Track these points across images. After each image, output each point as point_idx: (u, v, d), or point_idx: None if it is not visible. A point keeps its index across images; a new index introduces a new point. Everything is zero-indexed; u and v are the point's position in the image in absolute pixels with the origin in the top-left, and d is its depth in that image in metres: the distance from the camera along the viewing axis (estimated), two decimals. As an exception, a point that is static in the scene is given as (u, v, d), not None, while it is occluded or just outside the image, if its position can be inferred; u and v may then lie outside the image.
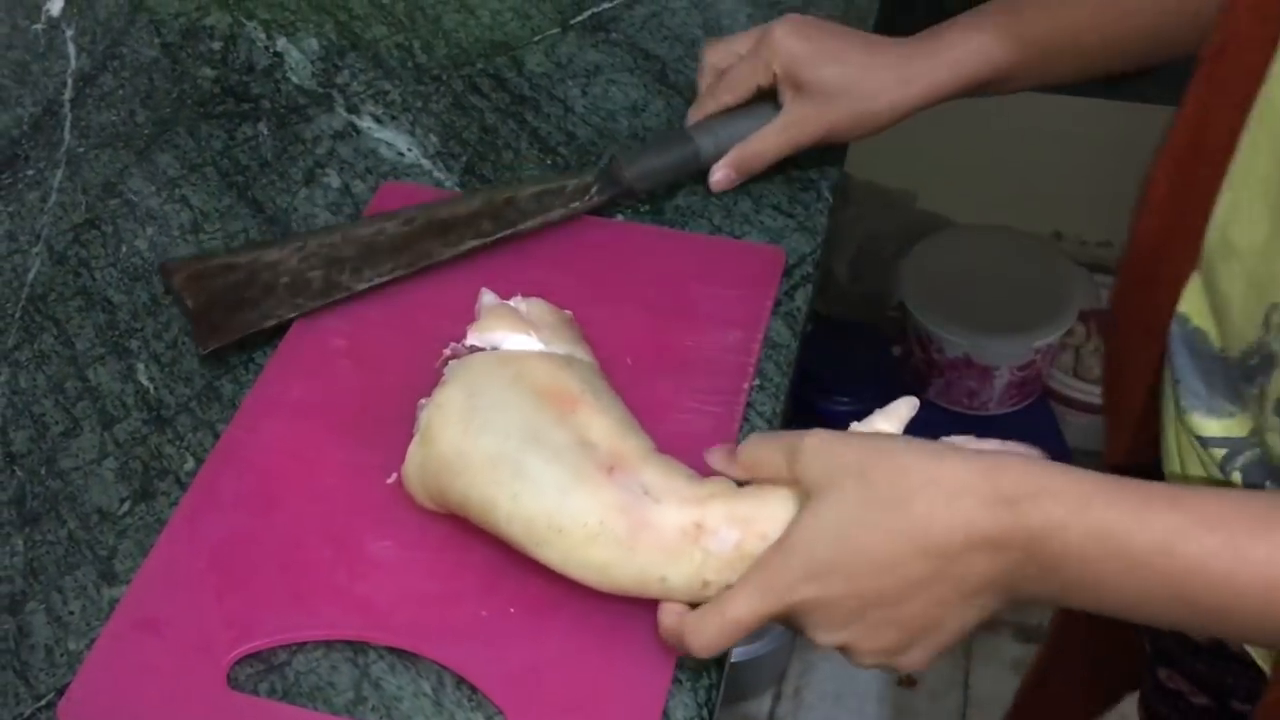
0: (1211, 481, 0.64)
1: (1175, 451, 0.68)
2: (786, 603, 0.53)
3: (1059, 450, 1.55)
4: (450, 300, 0.74)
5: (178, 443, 0.69)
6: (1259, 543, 0.48)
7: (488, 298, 0.67)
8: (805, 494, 0.54)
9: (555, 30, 0.94)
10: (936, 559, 0.50)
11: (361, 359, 0.71)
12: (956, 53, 0.75)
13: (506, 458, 0.58)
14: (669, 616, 0.56)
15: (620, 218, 0.79)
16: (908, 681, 1.57)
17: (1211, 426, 0.63)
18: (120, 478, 0.68)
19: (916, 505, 0.50)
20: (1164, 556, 0.48)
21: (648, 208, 0.80)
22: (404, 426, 0.68)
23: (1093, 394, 1.65)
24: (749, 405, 0.69)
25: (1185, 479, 0.67)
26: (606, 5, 0.95)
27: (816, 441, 0.53)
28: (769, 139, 0.78)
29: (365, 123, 0.87)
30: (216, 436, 0.69)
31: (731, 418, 0.68)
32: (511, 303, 0.67)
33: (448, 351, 0.65)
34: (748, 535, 0.55)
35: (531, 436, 0.59)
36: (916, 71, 0.75)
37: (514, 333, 0.64)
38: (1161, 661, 0.77)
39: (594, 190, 0.77)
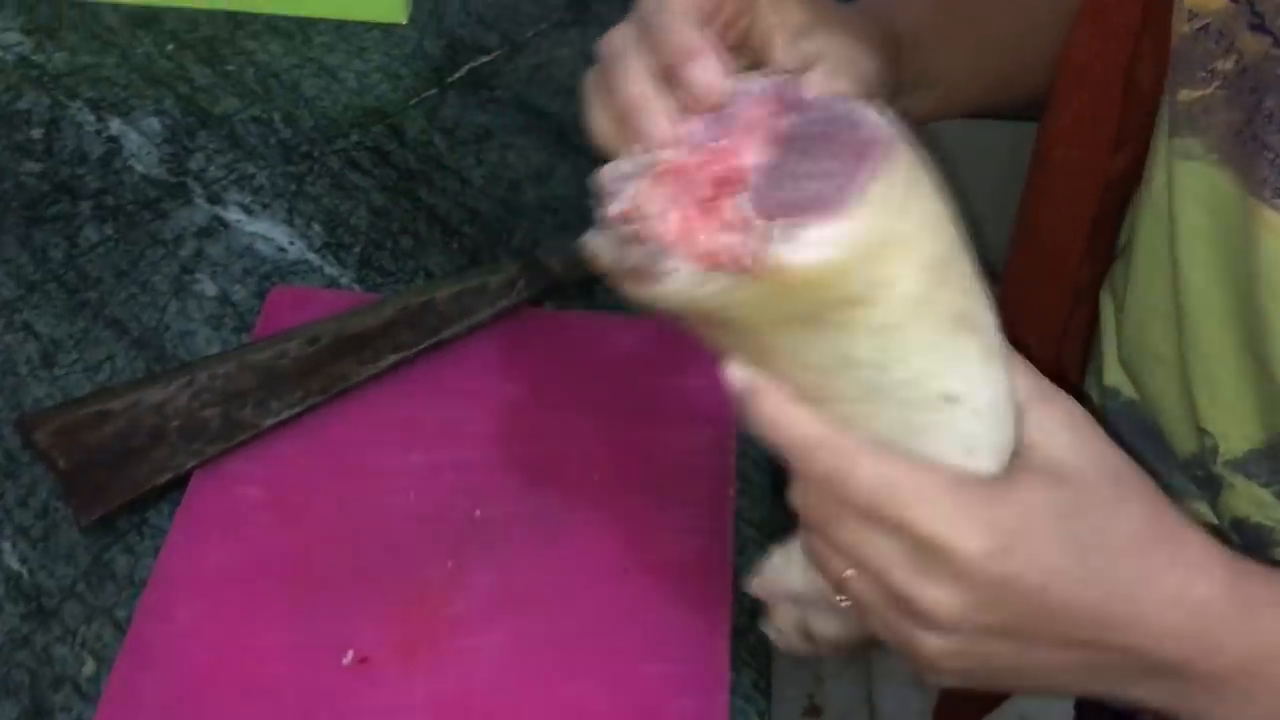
0: None
1: None
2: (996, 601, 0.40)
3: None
4: (376, 425, 0.64)
5: (70, 640, 0.57)
6: None
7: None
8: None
9: (432, 91, 0.84)
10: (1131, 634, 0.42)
11: (283, 509, 0.61)
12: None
13: (956, 261, 0.40)
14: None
15: (548, 305, 0.71)
16: (813, 711, 1.54)
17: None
18: (4, 694, 0.56)
19: (1157, 556, 0.42)
20: None
21: (577, 291, 0.72)
22: (353, 585, 0.58)
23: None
24: (737, 514, 0.62)
25: None
26: (484, 59, 0.86)
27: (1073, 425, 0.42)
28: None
29: (233, 214, 0.76)
30: (118, 627, 0.57)
31: (723, 533, 0.61)
32: None
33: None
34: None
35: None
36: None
37: None
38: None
39: (520, 285, 0.69)
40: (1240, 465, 0.55)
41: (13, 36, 0.85)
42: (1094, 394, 0.66)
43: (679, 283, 0.39)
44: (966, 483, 0.41)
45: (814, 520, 0.43)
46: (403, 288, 0.72)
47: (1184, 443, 0.59)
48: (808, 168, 0.38)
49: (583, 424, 0.64)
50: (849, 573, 0.42)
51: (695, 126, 0.42)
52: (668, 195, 0.40)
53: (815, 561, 0.44)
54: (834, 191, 0.37)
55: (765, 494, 0.64)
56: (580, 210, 0.77)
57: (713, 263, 0.38)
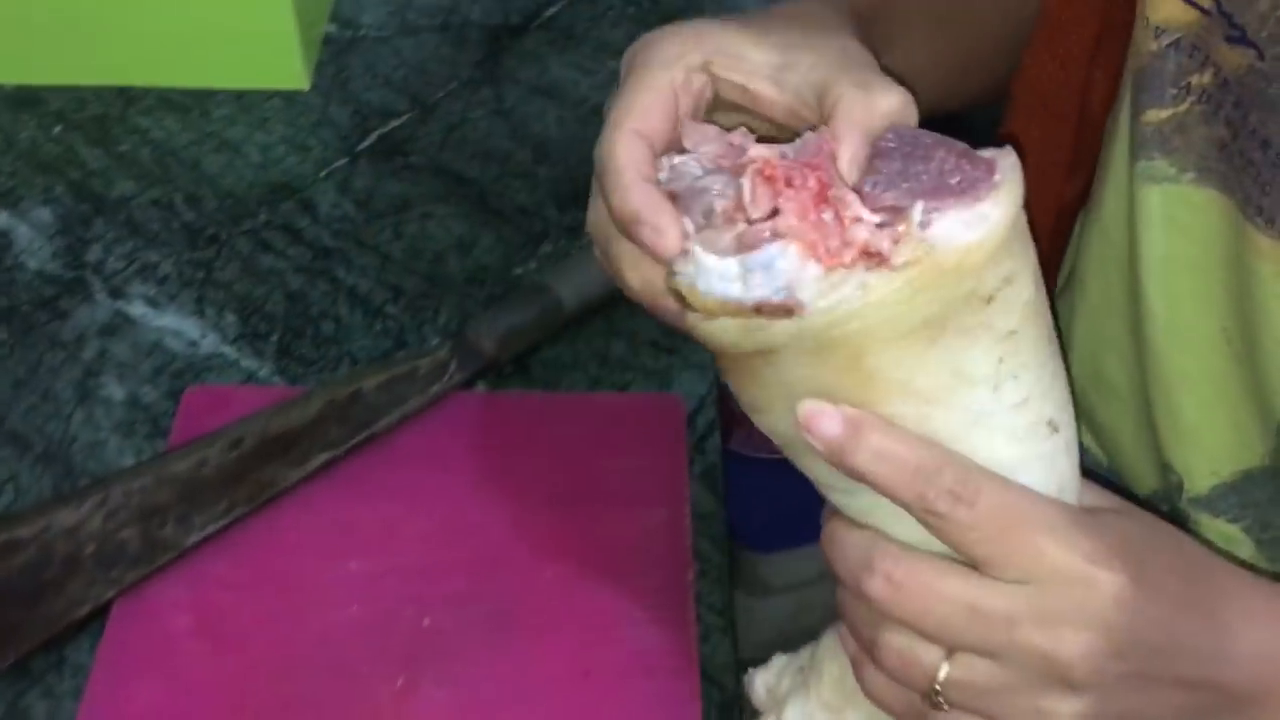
0: None
1: None
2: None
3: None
4: (310, 533, 0.60)
5: (-12, 802, 0.53)
6: None
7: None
8: None
9: (343, 161, 0.80)
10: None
11: (215, 636, 0.56)
12: None
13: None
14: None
15: (482, 386, 0.68)
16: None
17: None
18: None
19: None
20: None
21: (511, 368, 0.69)
22: (298, 713, 0.54)
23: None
24: (698, 599, 0.59)
25: None
26: (394, 123, 0.83)
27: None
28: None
29: (137, 309, 0.71)
30: (41, 782, 0.53)
31: (685, 622, 0.58)
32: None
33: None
34: None
35: None
36: None
37: None
38: None
39: (452, 368, 0.65)
40: (1206, 502, 0.54)
41: (-117, 127, 0.80)
42: None
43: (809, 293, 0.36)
44: (1083, 515, 0.39)
45: (910, 597, 0.39)
46: (327, 377, 0.68)
47: (1144, 479, 0.58)
48: (918, 169, 0.38)
49: (529, 514, 0.61)
50: (945, 668, 0.39)
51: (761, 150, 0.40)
52: (771, 194, 0.38)
53: (897, 672, 0.40)
54: (965, 182, 0.37)
55: (725, 574, 0.61)
56: (508, 280, 0.74)
57: (841, 261, 0.36)
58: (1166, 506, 0.56)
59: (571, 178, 0.79)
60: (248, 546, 0.59)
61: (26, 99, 0.82)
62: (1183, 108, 0.49)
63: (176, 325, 0.70)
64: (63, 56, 0.82)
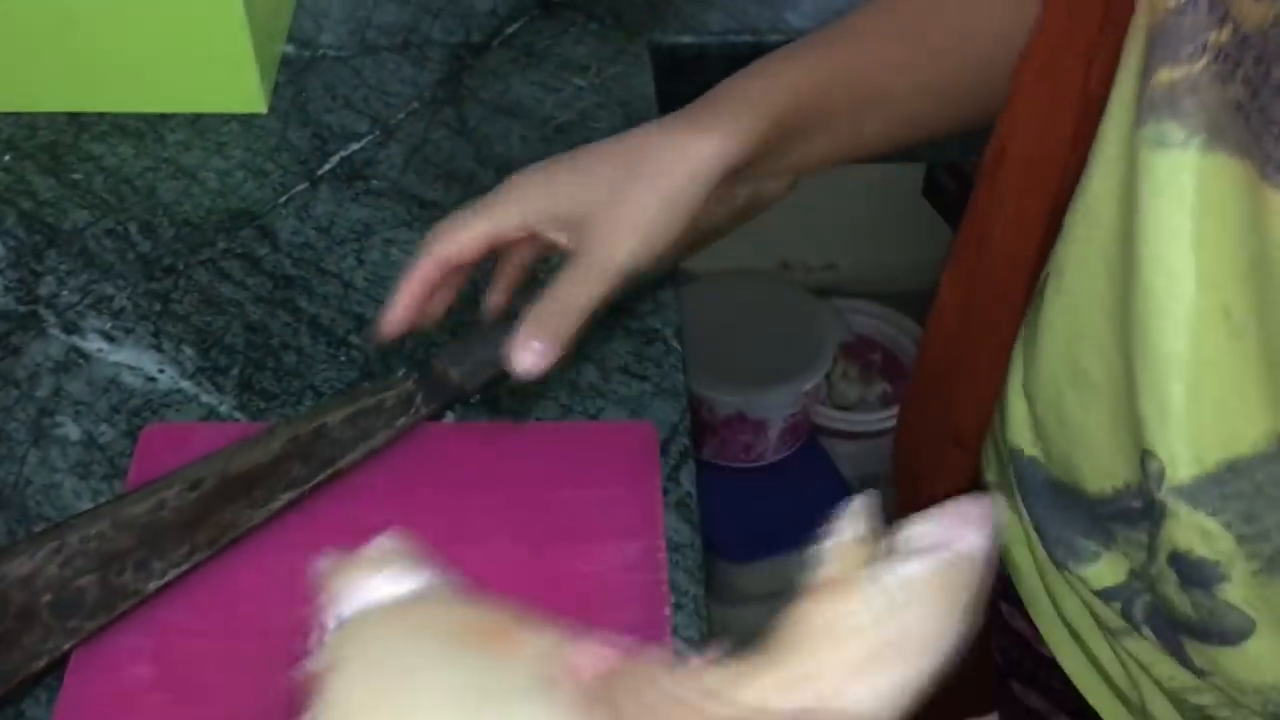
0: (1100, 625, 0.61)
1: (1044, 596, 0.64)
2: None
3: (837, 487, 1.54)
4: (275, 576, 0.58)
5: None
6: None
7: (324, 563, 0.52)
8: None
9: (303, 186, 0.78)
10: None
11: (178, 686, 0.54)
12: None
13: None
14: None
15: (451, 416, 0.66)
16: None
17: (1103, 576, 0.59)
18: None
19: None
20: None
21: (479, 397, 0.67)
22: (261, 772, 0.52)
23: (850, 421, 1.65)
24: (674, 633, 0.58)
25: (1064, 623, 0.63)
26: (355, 146, 0.81)
27: None
28: (578, 285, 0.58)
29: (93, 343, 0.69)
30: (-1, 846, 0.51)
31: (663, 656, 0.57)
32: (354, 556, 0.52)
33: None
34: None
35: (482, 690, 0.44)
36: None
37: (377, 580, 0.49)
38: (1014, 675, 0.73)
39: (419, 401, 0.64)
40: (1185, 492, 0.53)
41: None
42: (996, 454, 0.64)
43: None
44: None
45: None
46: (290, 412, 0.66)
47: (1113, 475, 0.56)
48: None
49: (501, 550, 0.60)
50: None
51: None
52: None
53: None
54: None
55: (701, 607, 0.60)
56: (474, 309, 0.73)
57: None
58: (1139, 501, 0.55)
59: (537, 199, 0.77)
60: (211, 592, 0.58)
61: (-26, 126, 0.80)
62: (1198, 66, 0.48)
63: (134, 360, 0.68)
64: (10, 82, 0.80)
